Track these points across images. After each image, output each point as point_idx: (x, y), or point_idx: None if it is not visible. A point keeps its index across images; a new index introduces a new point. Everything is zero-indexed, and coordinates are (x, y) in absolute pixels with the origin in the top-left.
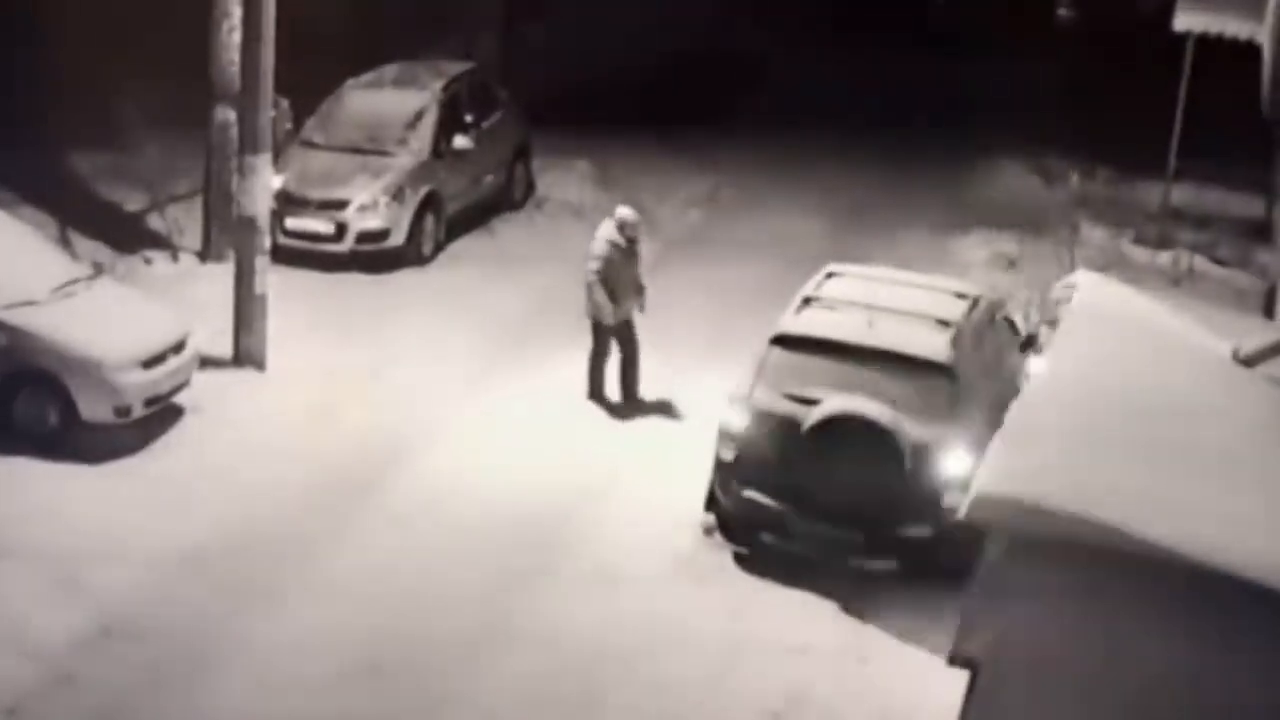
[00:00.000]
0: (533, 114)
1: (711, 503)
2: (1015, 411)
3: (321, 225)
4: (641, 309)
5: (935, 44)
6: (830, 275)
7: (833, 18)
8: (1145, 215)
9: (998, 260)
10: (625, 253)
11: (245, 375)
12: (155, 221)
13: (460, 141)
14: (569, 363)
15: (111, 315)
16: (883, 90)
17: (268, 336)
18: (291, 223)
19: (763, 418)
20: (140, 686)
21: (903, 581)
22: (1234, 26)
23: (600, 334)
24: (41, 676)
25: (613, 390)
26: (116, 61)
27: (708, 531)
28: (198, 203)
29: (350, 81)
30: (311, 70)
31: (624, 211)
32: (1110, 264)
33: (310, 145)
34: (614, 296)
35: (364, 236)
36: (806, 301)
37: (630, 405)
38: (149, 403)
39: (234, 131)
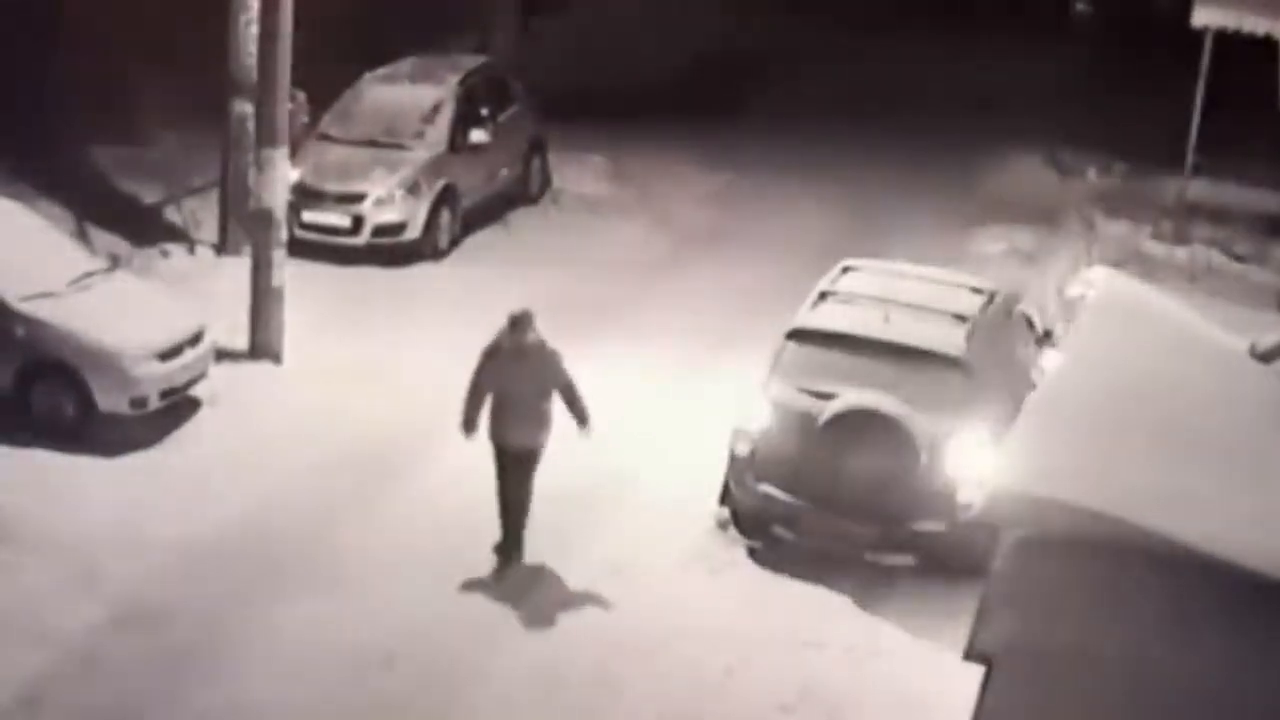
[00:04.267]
0: (548, 108)
1: (726, 497)
2: (1031, 407)
3: (338, 218)
4: (582, 427)
5: (951, 40)
6: (846, 270)
7: (846, 13)
8: (1162, 211)
9: (1014, 255)
10: (513, 357)
11: (261, 368)
12: (172, 214)
13: (476, 135)
14: (581, 359)
15: (128, 308)
16: (898, 84)
17: (284, 329)
18: (308, 216)
19: (778, 412)
20: (157, 675)
21: (917, 577)
22: (1252, 22)
23: (497, 457)
24: (60, 664)
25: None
26: (134, 55)
27: (722, 526)
28: (214, 196)
29: (367, 75)
30: (328, 64)
31: (514, 310)
32: (1127, 259)
33: (327, 139)
34: (503, 413)
35: (380, 230)
36: (823, 296)
37: (504, 568)
38: (165, 395)
39: (251, 125)
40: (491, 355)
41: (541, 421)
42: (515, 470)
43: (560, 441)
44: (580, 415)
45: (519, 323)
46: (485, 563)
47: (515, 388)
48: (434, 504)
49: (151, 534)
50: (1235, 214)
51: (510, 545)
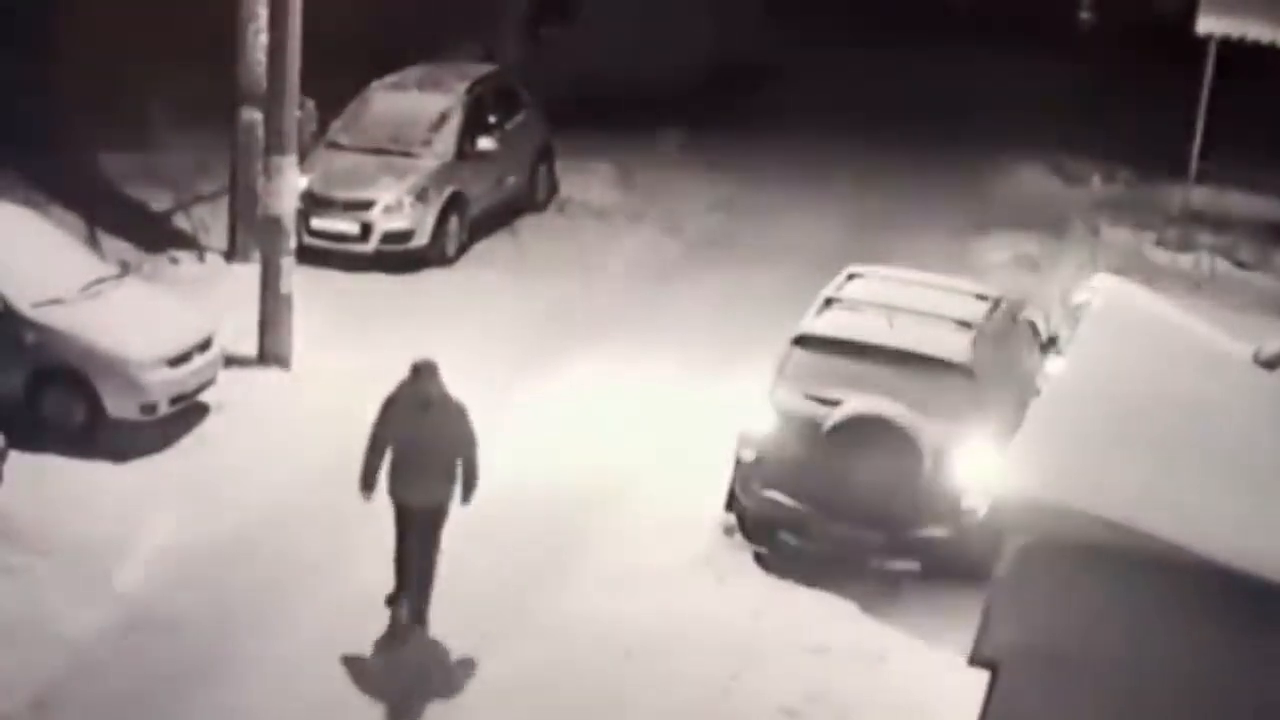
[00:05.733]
0: (555, 116)
1: (732, 502)
2: (1036, 413)
3: (347, 225)
4: (465, 498)
5: (957, 47)
6: (852, 276)
7: (852, 22)
8: (1166, 217)
9: (1018, 262)
10: (415, 408)
11: (270, 374)
12: (182, 221)
13: (484, 143)
14: (588, 364)
15: (138, 314)
16: (903, 92)
17: (292, 335)
18: (317, 223)
19: (784, 418)
20: (164, 678)
21: (922, 582)
22: (1256, 29)
23: (398, 516)
24: (69, 668)
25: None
26: (144, 62)
27: (728, 531)
28: (224, 203)
29: (375, 83)
30: (337, 72)
31: (418, 359)
32: (1131, 266)
33: (336, 146)
34: (404, 469)
35: (389, 237)
36: (828, 302)
37: (405, 632)
38: (174, 400)
39: (260, 132)
40: (391, 405)
41: (446, 478)
42: (421, 530)
43: (565, 445)
44: (468, 486)
45: (421, 372)
46: (489, 566)
47: (417, 441)
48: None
49: (160, 539)
50: (1239, 221)
51: (416, 609)
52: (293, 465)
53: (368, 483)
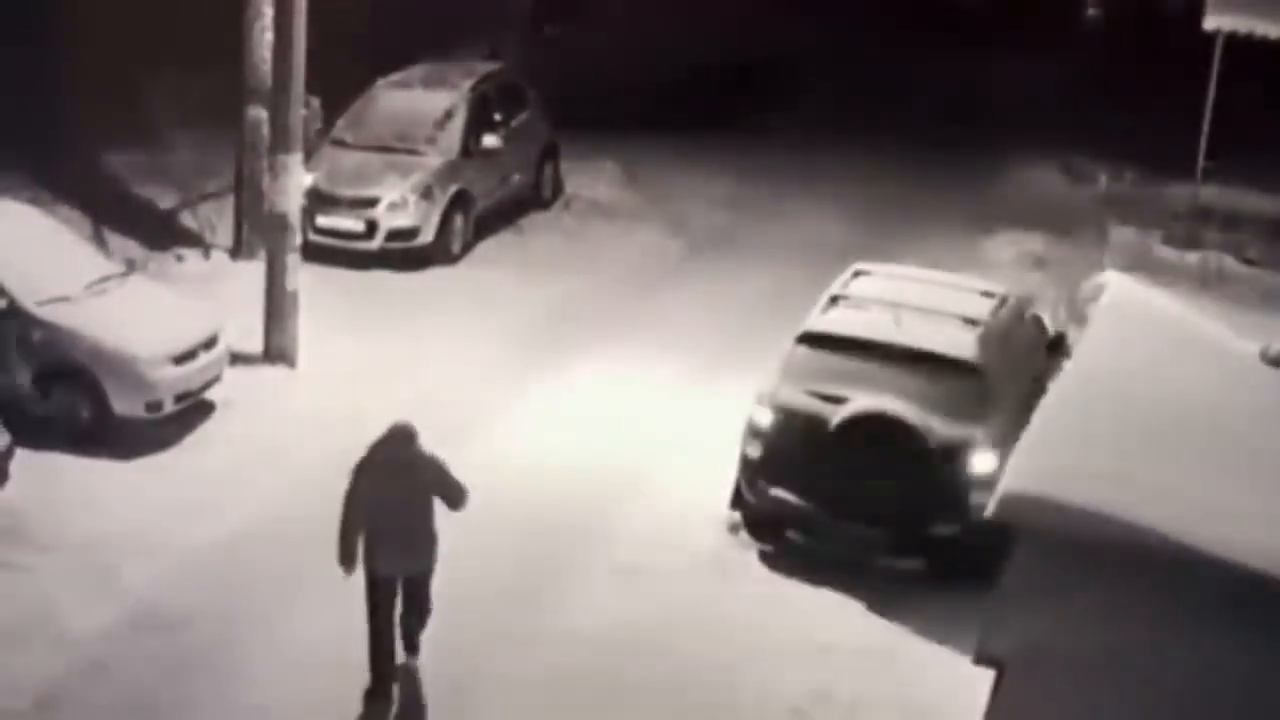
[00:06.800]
0: (561, 114)
1: (738, 500)
2: (1043, 411)
3: (352, 223)
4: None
5: (963, 45)
6: (858, 274)
7: (859, 19)
8: (1174, 215)
9: (1025, 260)
10: (393, 473)
11: (276, 371)
12: (187, 219)
13: (489, 141)
14: (594, 362)
15: (144, 312)
16: (910, 90)
17: (298, 333)
18: (322, 220)
19: (790, 416)
20: (170, 676)
21: (929, 581)
22: (1264, 26)
23: (373, 589)
24: (74, 666)
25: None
26: (149, 60)
27: (734, 529)
28: (229, 200)
29: (380, 81)
30: (342, 69)
31: (396, 423)
32: (1138, 264)
33: (341, 144)
34: (384, 537)
35: (394, 234)
36: (834, 300)
37: (413, 656)
38: (180, 398)
39: (266, 130)
40: (364, 472)
41: (430, 541)
42: (407, 594)
43: (569, 442)
44: (453, 505)
45: (397, 437)
46: (494, 565)
47: (397, 509)
48: (443, 508)
49: (166, 537)
50: (1246, 219)
51: (407, 644)
52: (298, 462)
53: (347, 556)
